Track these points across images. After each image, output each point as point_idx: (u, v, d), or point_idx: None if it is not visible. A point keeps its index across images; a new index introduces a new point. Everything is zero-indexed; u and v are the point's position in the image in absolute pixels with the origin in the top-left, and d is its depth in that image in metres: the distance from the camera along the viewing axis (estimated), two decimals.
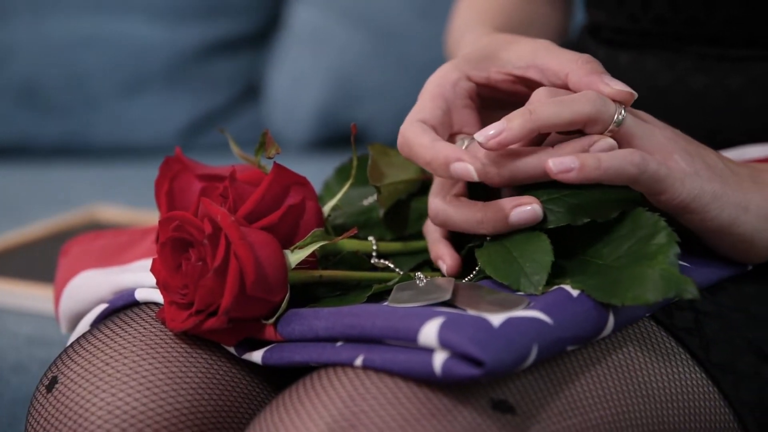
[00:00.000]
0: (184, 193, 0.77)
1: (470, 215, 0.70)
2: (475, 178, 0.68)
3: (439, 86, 0.74)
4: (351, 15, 1.74)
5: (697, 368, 0.71)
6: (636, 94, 0.70)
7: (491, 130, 0.67)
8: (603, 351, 0.68)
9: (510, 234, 0.70)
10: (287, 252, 0.69)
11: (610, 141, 0.68)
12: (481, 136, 0.67)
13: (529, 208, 0.68)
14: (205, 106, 1.79)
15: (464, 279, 0.72)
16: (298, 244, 0.70)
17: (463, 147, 0.72)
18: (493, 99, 0.76)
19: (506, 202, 0.69)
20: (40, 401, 0.70)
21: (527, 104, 0.69)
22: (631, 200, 0.69)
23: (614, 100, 0.69)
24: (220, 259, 0.66)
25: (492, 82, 0.74)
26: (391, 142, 1.94)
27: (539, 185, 0.70)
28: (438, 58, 1.70)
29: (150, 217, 1.39)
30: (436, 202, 0.72)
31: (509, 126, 0.67)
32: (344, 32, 1.74)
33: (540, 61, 0.73)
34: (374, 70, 1.72)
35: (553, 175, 0.66)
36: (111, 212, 1.41)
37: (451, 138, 0.75)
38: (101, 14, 1.75)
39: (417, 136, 0.70)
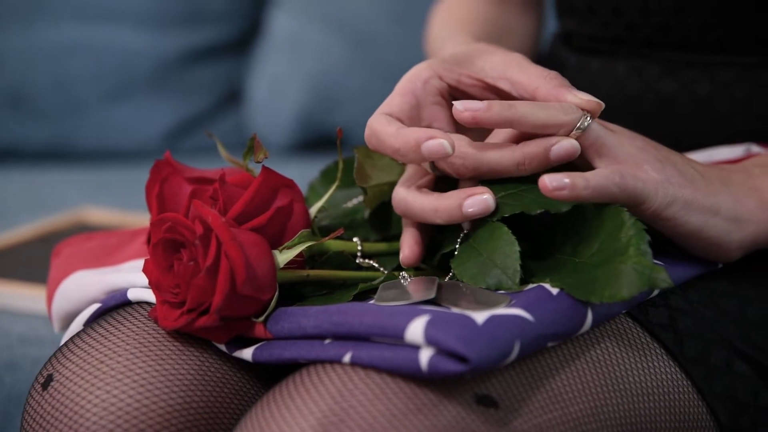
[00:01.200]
0: (174, 196, 0.76)
1: (427, 204, 0.70)
2: (449, 151, 0.68)
3: (410, 82, 0.74)
4: (329, 21, 1.74)
5: (671, 362, 0.71)
6: (603, 105, 0.70)
7: (471, 103, 0.68)
8: (581, 347, 0.69)
9: (474, 235, 0.70)
10: (276, 252, 0.70)
11: (574, 141, 0.69)
12: (460, 104, 0.68)
13: (482, 198, 0.69)
14: (189, 110, 1.79)
15: (446, 278, 0.72)
16: (286, 244, 0.70)
17: None
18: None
19: (461, 192, 0.69)
20: (36, 399, 0.70)
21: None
22: None
23: (583, 110, 0.69)
24: (211, 259, 0.66)
25: (462, 85, 0.75)
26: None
27: (497, 181, 0.71)
28: (414, 64, 1.71)
29: (137, 219, 1.39)
30: (399, 191, 0.73)
31: (488, 107, 0.68)
32: (322, 38, 1.74)
33: (511, 73, 0.73)
34: (352, 75, 1.72)
35: (548, 192, 0.66)
36: (98, 215, 1.41)
37: None
38: (87, 22, 1.75)
39: (383, 126, 0.71)
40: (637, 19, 0.89)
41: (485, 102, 0.68)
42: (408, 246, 0.73)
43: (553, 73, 0.72)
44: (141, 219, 1.38)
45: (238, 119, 1.82)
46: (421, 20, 1.68)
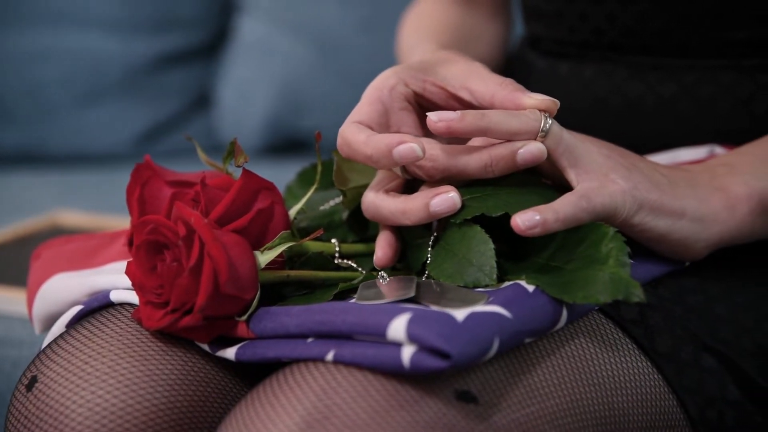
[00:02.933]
0: (154, 199, 0.76)
1: (395, 206, 0.70)
2: (420, 155, 0.68)
3: (377, 90, 0.74)
4: (296, 28, 1.73)
5: (642, 357, 0.72)
6: (558, 103, 0.71)
7: (445, 114, 0.68)
8: (557, 343, 0.69)
9: (446, 237, 0.71)
10: (257, 253, 0.69)
11: (540, 145, 0.69)
12: (435, 115, 0.68)
13: (448, 196, 0.69)
14: (159, 115, 1.78)
15: (424, 277, 0.72)
16: (267, 245, 0.70)
17: None
18: (433, 107, 0.76)
19: (427, 192, 0.69)
20: (21, 400, 0.69)
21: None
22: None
23: (540, 110, 0.70)
24: (194, 259, 0.65)
25: (427, 93, 0.75)
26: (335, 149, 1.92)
27: (464, 185, 0.71)
28: (380, 69, 1.70)
29: (111, 221, 1.37)
30: (368, 195, 0.73)
31: (462, 117, 0.68)
32: (290, 44, 1.73)
33: (470, 83, 0.73)
34: (319, 80, 1.72)
35: (522, 231, 0.67)
36: (72, 217, 1.39)
37: None
38: (59, 28, 1.73)
39: (354, 135, 0.71)
40: (603, 25, 0.89)
41: (458, 112, 0.68)
42: (381, 248, 0.73)
43: (509, 80, 0.73)
44: (115, 221, 1.37)
45: (207, 123, 1.81)
46: (388, 26, 1.68)
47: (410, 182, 0.74)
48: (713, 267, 0.77)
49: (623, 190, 0.69)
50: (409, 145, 0.68)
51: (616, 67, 0.90)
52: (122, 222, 1.35)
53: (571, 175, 0.69)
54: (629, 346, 0.71)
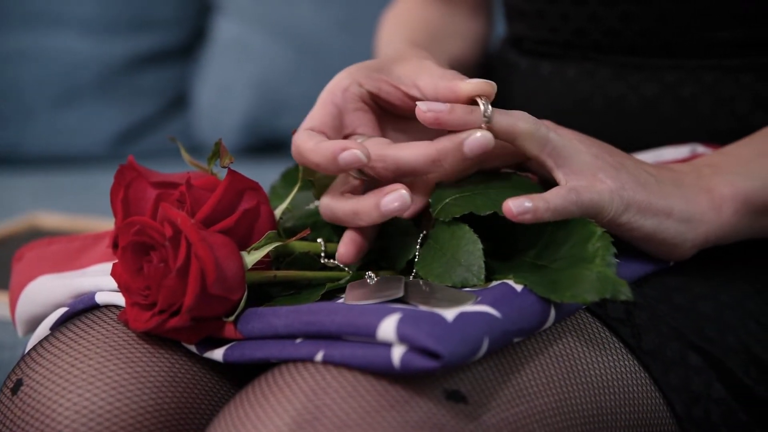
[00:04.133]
0: (138, 200, 0.75)
1: (348, 207, 0.70)
2: (364, 160, 0.68)
3: (330, 93, 0.74)
4: (274, 28, 1.73)
5: (629, 356, 0.72)
6: (495, 85, 0.70)
7: (434, 105, 0.68)
8: (545, 342, 0.69)
9: (435, 237, 0.70)
10: (243, 253, 0.69)
11: (486, 133, 0.68)
12: (424, 105, 0.68)
13: (398, 193, 0.69)
14: (135, 115, 1.77)
15: (410, 276, 0.72)
16: (253, 245, 0.69)
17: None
18: (390, 106, 0.76)
19: (377, 192, 0.69)
20: (6, 404, 0.68)
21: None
22: None
23: (479, 96, 0.69)
24: (181, 260, 0.65)
25: (383, 93, 0.75)
26: None
27: (450, 185, 0.71)
28: None
29: (89, 223, 1.36)
30: (324, 199, 0.73)
31: (451, 109, 0.68)
32: (267, 44, 1.73)
33: (419, 81, 0.73)
34: (297, 80, 1.71)
35: (513, 217, 0.67)
36: (51, 219, 1.38)
37: (346, 138, 0.75)
38: (35, 29, 1.72)
39: (304, 143, 0.71)
40: (586, 25, 0.90)
41: (448, 104, 0.68)
42: (344, 244, 0.72)
43: (451, 72, 0.72)
44: (94, 223, 1.36)
45: (184, 124, 1.80)
46: (365, 26, 1.68)
47: (371, 184, 0.74)
48: (698, 266, 0.77)
49: (611, 190, 0.69)
50: (352, 152, 0.68)
51: (598, 67, 0.91)
52: (101, 223, 1.34)
53: (559, 175, 0.69)
54: (616, 344, 0.72)
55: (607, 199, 0.69)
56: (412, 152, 0.69)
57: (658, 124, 0.88)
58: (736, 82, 0.86)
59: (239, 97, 1.73)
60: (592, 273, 0.65)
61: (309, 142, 0.70)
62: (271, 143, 1.75)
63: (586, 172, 0.70)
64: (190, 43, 1.81)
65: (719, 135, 0.86)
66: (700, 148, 0.85)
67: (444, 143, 0.69)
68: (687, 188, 0.73)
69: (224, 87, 1.75)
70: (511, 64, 0.98)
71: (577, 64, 0.91)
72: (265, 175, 0.88)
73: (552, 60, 0.94)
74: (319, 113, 0.74)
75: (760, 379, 0.75)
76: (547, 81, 0.94)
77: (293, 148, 0.72)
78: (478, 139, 0.68)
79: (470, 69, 1.04)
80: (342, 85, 0.74)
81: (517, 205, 0.67)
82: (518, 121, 0.69)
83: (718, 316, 0.76)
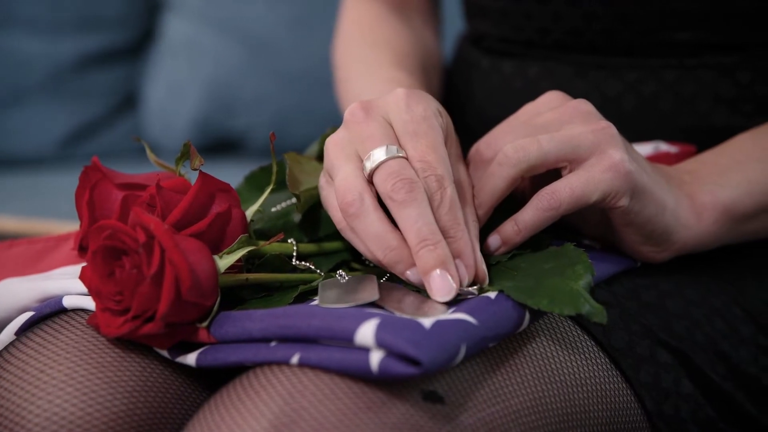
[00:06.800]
0: (104, 202, 0.74)
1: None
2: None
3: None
4: (224, 27, 1.72)
5: (600, 354, 0.72)
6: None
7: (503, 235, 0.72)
8: (519, 343, 0.69)
9: None
10: (216, 257, 0.68)
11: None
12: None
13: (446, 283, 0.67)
14: (85, 116, 1.75)
15: (383, 278, 0.72)
16: (226, 250, 0.69)
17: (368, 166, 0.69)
18: None
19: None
20: None
21: None
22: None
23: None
24: (155, 267, 0.64)
25: None
26: (266, 149, 1.92)
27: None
28: (310, 68, 1.71)
29: (41, 226, 1.35)
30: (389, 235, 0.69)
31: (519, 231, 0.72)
32: (218, 43, 1.71)
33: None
34: (249, 79, 1.71)
35: (492, 254, 0.71)
36: (2, 222, 1.36)
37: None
38: None
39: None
40: (549, 24, 0.90)
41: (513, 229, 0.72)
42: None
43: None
44: (45, 225, 1.34)
45: (134, 124, 1.79)
46: (316, 25, 1.68)
47: None
48: (665, 263, 0.78)
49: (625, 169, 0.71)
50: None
51: (560, 66, 0.91)
52: (53, 226, 1.33)
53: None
54: (587, 343, 0.72)
55: (618, 184, 0.71)
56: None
57: (621, 121, 0.89)
58: (697, 80, 0.87)
59: (190, 96, 1.72)
60: (572, 288, 0.66)
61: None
62: (223, 143, 1.74)
63: (594, 150, 0.71)
64: (139, 42, 1.80)
65: (682, 133, 0.87)
66: (664, 146, 0.86)
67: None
68: (674, 189, 0.74)
69: (175, 86, 1.74)
70: (472, 63, 0.99)
71: (538, 63, 0.92)
72: (218, 175, 0.87)
73: (513, 59, 0.94)
74: None
75: (727, 375, 0.76)
76: (509, 80, 0.94)
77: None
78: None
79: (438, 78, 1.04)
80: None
81: (490, 245, 0.71)
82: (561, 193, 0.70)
83: (684, 312, 0.76)
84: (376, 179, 0.67)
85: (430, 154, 0.67)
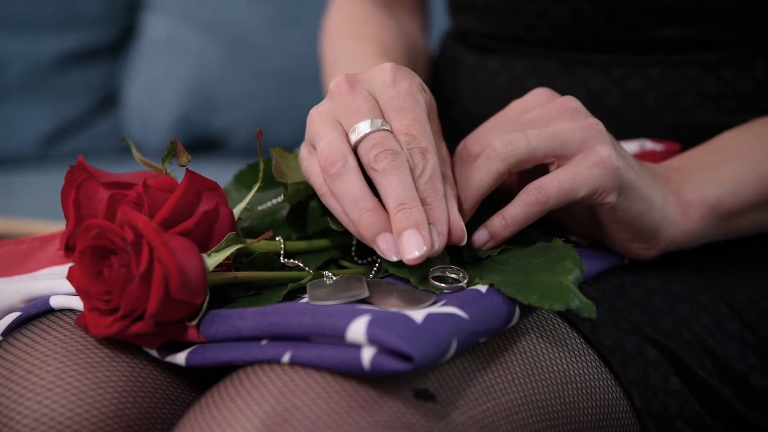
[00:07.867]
0: (90, 201, 0.74)
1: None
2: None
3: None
4: (205, 25, 1.71)
5: (589, 350, 0.72)
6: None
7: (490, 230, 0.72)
8: (509, 340, 0.69)
9: None
10: (204, 256, 0.68)
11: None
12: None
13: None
14: (64, 115, 1.74)
15: (370, 275, 0.71)
16: (215, 248, 0.68)
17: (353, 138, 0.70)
18: None
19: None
20: None
21: None
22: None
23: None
24: (144, 265, 0.64)
25: None
26: (247, 148, 1.92)
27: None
28: (291, 66, 1.70)
29: (20, 225, 1.34)
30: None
31: (506, 225, 0.72)
32: (199, 42, 1.71)
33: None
34: (229, 78, 1.70)
35: (479, 248, 0.71)
36: None
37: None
38: None
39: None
40: (534, 20, 0.90)
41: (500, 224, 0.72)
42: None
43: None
44: (25, 225, 1.33)
45: (114, 123, 1.78)
46: (298, 23, 1.67)
47: None
48: (650, 261, 0.78)
49: (613, 166, 0.71)
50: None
51: (545, 62, 0.91)
52: (34, 225, 1.32)
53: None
54: (577, 340, 0.72)
55: (604, 180, 0.71)
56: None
57: (607, 117, 0.89)
58: (682, 77, 0.87)
59: (170, 95, 1.71)
60: (561, 282, 0.66)
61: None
62: (204, 142, 1.73)
63: (583, 147, 0.71)
64: (119, 41, 1.79)
65: (667, 129, 0.87)
66: (649, 144, 0.86)
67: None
68: (661, 186, 0.75)
69: (155, 85, 1.73)
70: (457, 59, 0.98)
71: (524, 60, 0.92)
72: (200, 173, 0.87)
73: (499, 55, 0.94)
74: None
75: (714, 372, 0.76)
76: (495, 76, 0.94)
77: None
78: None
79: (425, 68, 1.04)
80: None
81: (477, 239, 0.71)
82: (549, 188, 0.70)
83: (672, 309, 0.77)
84: (360, 150, 0.68)
85: (416, 128, 0.68)
